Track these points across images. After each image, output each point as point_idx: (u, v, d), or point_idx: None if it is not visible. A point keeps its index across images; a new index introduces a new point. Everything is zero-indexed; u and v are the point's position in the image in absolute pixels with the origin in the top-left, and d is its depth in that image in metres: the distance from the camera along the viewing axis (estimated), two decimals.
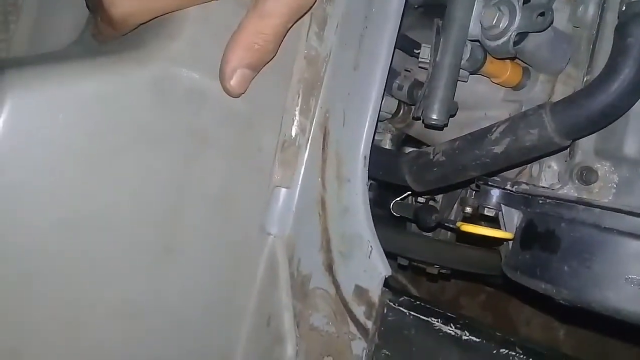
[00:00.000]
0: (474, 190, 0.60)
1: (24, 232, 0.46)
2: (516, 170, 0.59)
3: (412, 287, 1.16)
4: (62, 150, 0.46)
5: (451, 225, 0.63)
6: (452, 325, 0.44)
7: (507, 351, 0.41)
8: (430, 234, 0.77)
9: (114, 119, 0.48)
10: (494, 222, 0.59)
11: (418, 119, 0.59)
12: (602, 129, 0.48)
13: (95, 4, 0.50)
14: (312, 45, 0.56)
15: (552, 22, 0.52)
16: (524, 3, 0.52)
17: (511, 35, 0.52)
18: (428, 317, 0.45)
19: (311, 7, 0.52)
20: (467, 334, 0.43)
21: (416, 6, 0.77)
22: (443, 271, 0.79)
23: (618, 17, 0.47)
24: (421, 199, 0.75)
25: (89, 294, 0.50)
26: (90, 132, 0.47)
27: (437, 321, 0.45)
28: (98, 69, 0.47)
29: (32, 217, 0.46)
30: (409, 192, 0.66)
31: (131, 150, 0.49)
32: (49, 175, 0.46)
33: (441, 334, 0.44)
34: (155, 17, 0.50)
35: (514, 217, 0.54)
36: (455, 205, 0.76)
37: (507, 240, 0.53)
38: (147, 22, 0.50)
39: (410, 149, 0.74)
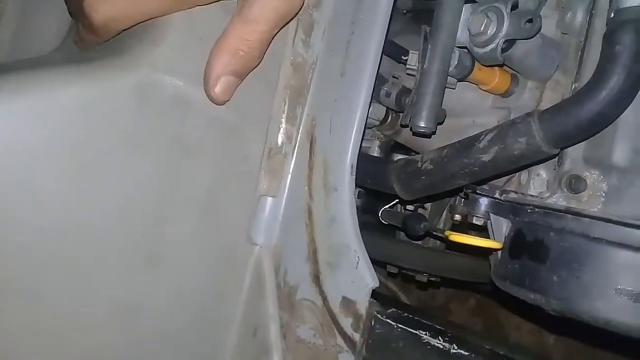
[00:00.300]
0: (462, 198, 0.59)
1: (4, 241, 0.45)
2: (505, 178, 0.58)
3: (403, 294, 1.16)
4: (44, 157, 0.45)
5: (440, 235, 0.63)
6: (440, 338, 0.43)
7: None
8: (419, 242, 0.77)
9: (97, 126, 0.47)
10: (482, 230, 0.58)
11: (406, 126, 0.58)
12: (591, 137, 0.47)
13: (76, 10, 0.49)
14: (299, 52, 0.55)
15: (540, 29, 0.51)
16: (511, 10, 0.52)
17: (499, 42, 0.51)
18: (416, 330, 0.44)
19: (297, 12, 0.51)
20: (455, 347, 0.42)
21: (404, 11, 0.77)
22: (432, 279, 0.78)
23: (606, 25, 0.46)
24: (410, 207, 0.74)
25: (71, 304, 0.49)
26: (73, 139, 0.46)
27: (426, 334, 0.44)
28: (81, 76, 0.46)
29: (13, 225, 0.45)
30: (397, 200, 0.66)
31: (115, 158, 0.48)
32: (31, 183, 0.45)
33: (429, 347, 0.43)
34: (138, 23, 0.49)
35: (502, 226, 0.53)
36: (444, 213, 0.76)
37: (496, 250, 0.52)
38: (129, 28, 0.49)
39: (399, 156, 0.74)
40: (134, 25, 0.49)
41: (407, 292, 1.24)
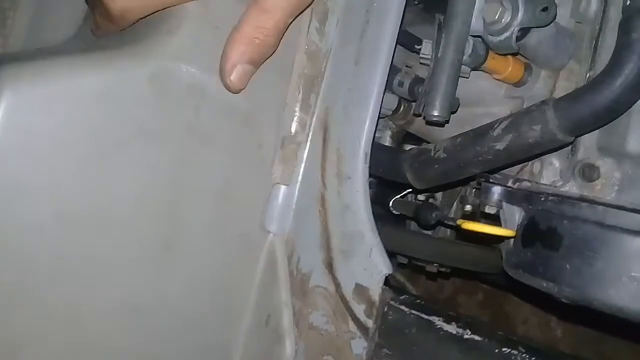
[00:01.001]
0: (475, 188, 0.59)
1: (23, 229, 0.46)
2: (517, 167, 0.58)
3: (410, 285, 1.16)
4: (61, 145, 0.46)
5: (452, 223, 0.63)
6: (453, 323, 0.43)
7: (509, 350, 0.41)
8: (429, 232, 0.77)
9: (112, 115, 0.47)
10: (494, 219, 0.58)
11: (419, 115, 0.58)
12: (606, 125, 0.47)
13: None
14: (313, 41, 0.56)
15: (555, 17, 0.51)
16: None
17: (514, 30, 0.51)
18: (429, 316, 0.45)
19: (312, 1, 0.51)
20: (469, 333, 0.42)
21: (416, 2, 0.77)
22: (442, 269, 0.79)
23: (622, 12, 0.46)
24: (421, 197, 0.74)
25: (87, 291, 0.49)
26: (88, 128, 0.47)
27: (439, 320, 0.44)
28: (97, 64, 0.47)
29: (31, 214, 0.46)
30: (410, 190, 0.66)
31: (130, 146, 0.48)
32: (47, 171, 0.46)
33: (442, 332, 0.43)
34: (154, 12, 0.49)
35: (515, 215, 0.54)
36: (455, 203, 0.76)
37: (509, 237, 0.52)
38: (146, 17, 0.49)
39: (411, 146, 0.74)
40: (151, 14, 0.49)
41: (414, 283, 1.24)
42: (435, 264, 0.75)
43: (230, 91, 0.51)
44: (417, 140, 0.75)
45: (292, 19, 0.50)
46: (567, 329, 1.22)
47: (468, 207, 0.71)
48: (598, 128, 0.48)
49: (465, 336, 0.42)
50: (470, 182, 0.65)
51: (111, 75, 0.47)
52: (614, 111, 0.45)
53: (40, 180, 0.46)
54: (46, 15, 0.65)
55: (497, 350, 0.41)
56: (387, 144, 0.73)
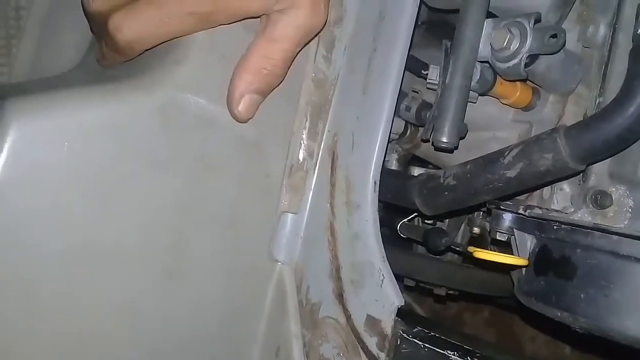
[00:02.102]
0: (484, 212, 0.59)
1: (29, 262, 0.45)
2: (526, 193, 0.58)
3: (416, 305, 1.15)
4: (68, 178, 0.45)
5: (461, 250, 0.62)
6: (469, 358, 0.43)
7: None
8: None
9: (120, 147, 0.47)
10: (504, 246, 0.58)
11: (427, 141, 0.58)
12: (618, 153, 0.47)
13: (100, 29, 0.49)
14: (320, 68, 0.55)
15: (564, 44, 0.51)
16: (534, 24, 0.51)
17: (522, 57, 0.51)
18: (444, 350, 0.44)
19: (320, 30, 0.51)
20: None
21: (419, 23, 0.77)
22: (450, 292, 0.78)
23: (632, 40, 0.46)
24: (428, 220, 0.74)
25: (95, 323, 0.49)
26: (96, 160, 0.46)
27: (453, 354, 0.43)
28: (104, 96, 0.47)
29: (37, 247, 0.45)
30: (416, 214, 0.65)
31: (138, 177, 0.48)
32: (54, 204, 0.45)
33: None
34: (162, 43, 0.49)
35: (527, 242, 0.53)
36: (463, 226, 0.75)
37: (522, 267, 0.52)
38: (153, 47, 0.49)
39: (417, 169, 0.73)
40: (157, 45, 0.49)
41: (420, 302, 1.23)
42: (443, 287, 0.75)
43: (237, 121, 0.51)
44: (423, 162, 0.75)
45: (300, 49, 0.50)
46: (576, 346, 1.20)
47: (476, 230, 0.70)
48: (610, 156, 0.48)
49: None
50: (480, 209, 0.64)
51: (118, 107, 0.47)
52: (626, 140, 0.45)
53: (46, 214, 0.46)
54: (51, 43, 0.65)
55: None
56: (393, 167, 0.72)
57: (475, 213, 0.71)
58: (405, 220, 0.70)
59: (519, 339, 1.27)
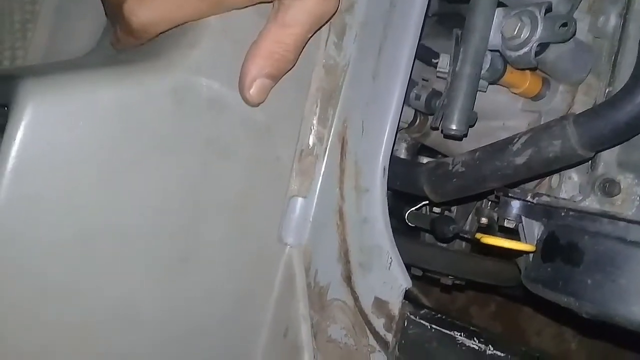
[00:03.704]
0: (494, 201, 0.59)
1: (42, 242, 0.46)
2: (535, 181, 0.58)
3: (423, 296, 1.15)
4: (82, 159, 0.46)
5: (470, 237, 0.63)
6: (475, 339, 0.43)
7: None
8: (445, 245, 0.77)
9: (133, 128, 0.48)
10: (512, 233, 0.58)
11: (436, 129, 0.58)
12: (627, 140, 0.47)
13: (115, 13, 0.50)
14: (331, 55, 0.56)
15: (575, 33, 0.51)
16: (545, 13, 0.52)
17: (533, 45, 0.51)
18: (450, 331, 0.44)
19: (332, 16, 0.51)
20: (492, 349, 0.42)
21: (430, 15, 0.77)
22: (457, 282, 0.78)
23: None
24: (436, 209, 0.74)
25: (106, 304, 0.50)
26: (109, 141, 0.47)
27: (460, 335, 0.44)
28: (118, 78, 0.47)
29: (51, 226, 0.46)
30: (425, 202, 0.66)
31: (150, 160, 0.49)
32: (68, 184, 0.46)
33: (464, 348, 0.43)
34: (175, 26, 0.49)
35: (534, 229, 0.53)
36: (471, 216, 0.75)
37: (529, 252, 0.52)
38: (166, 30, 0.50)
39: (425, 159, 0.74)
40: (171, 28, 0.50)
41: (427, 295, 1.24)
42: (450, 277, 0.75)
43: (249, 105, 0.51)
44: (431, 152, 0.75)
45: (311, 34, 0.51)
46: (582, 341, 1.21)
47: (484, 220, 0.70)
48: (619, 144, 0.48)
49: (488, 352, 0.42)
50: (488, 196, 0.64)
51: (132, 89, 0.48)
52: (635, 127, 0.45)
53: (60, 193, 0.46)
54: (65, 27, 0.66)
55: None
56: (402, 156, 0.73)
57: (483, 203, 0.71)
58: (414, 209, 0.70)
59: (525, 333, 1.27)
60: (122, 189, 0.48)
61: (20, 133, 0.43)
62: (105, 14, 0.55)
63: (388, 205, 0.76)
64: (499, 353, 0.42)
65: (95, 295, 0.49)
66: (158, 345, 0.52)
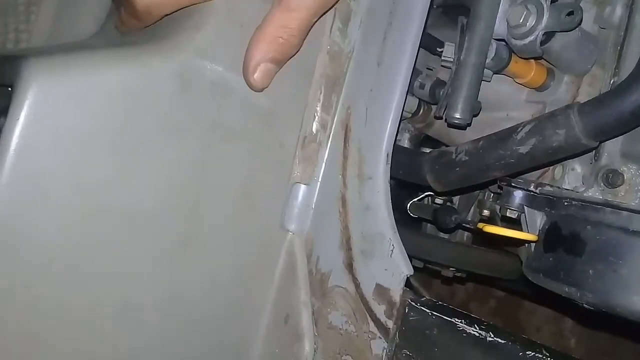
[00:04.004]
0: (496, 193, 0.59)
1: (45, 222, 0.46)
2: (538, 172, 0.58)
3: (424, 290, 1.15)
4: (86, 139, 0.46)
5: (471, 227, 0.63)
6: (475, 326, 0.43)
7: (533, 353, 0.40)
8: (447, 236, 0.77)
9: (137, 110, 0.48)
10: (515, 224, 0.58)
11: (440, 118, 0.58)
12: (631, 130, 0.47)
13: None
14: (335, 41, 0.56)
15: (581, 22, 0.51)
16: (551, 2, 0.51)
17: (538, 34, 0.51)
18: (451, 318, 0.44)
19: (337, 2, 0.51)
20: (492, 335, 0.42)
21: (435, 6, 0.77)
22: (458, 274, 0.78)
23: None
24: (438, 200, 0.74)
25: (109, 285, 0.49)
26: (113, 123, 0.47)
27: (461, 322, 0.44)
28: (123, 60, 0.47)
29: (54, 206, 0.46)
30: (429, 193, 0.66)
31: (153, 142, 0.49)
32: (71, 165, 0.46)
33: (465, 334, 0.43)
34: (180, 9, 0.49)
35: (537, 219, 0.53)
36: (473, 207, 0.75)
37: (531, 242, 0.52)
38: (171, 13, 0.49)
39: (429, 149, 0.74)
40: (176, 11, 0.49)
41: (427, 289, 1.24)
42: (451, 269, 0.75)
43: (253, 89, 0.51)
44: (435, 143, 0.75)
45: (316, 19, 0.51)
46: (581, 337, 1.21)
47: (486, 212, 0.70)
48: (623, 133, 0.48)
49: (489, 339, 0.42)
50: (490, 186, 0.64)
51: (136, 71, 0.47)
52: None
53: (63, 175, 0.46)
54: (69, 10, 0.66)
55: (521, 354, 0.41)
56: (405, 146, 0.73)
57: (486, 195, 0.71)
58: (416, 199, 0.70)
59: (525, 329, 1.28)
60: (126, 171, 0.48)
61: (23, 113, 0.43)
62: None
63: (391, 195, 0.76)
64: (499, 340, 0.42)
65: (98, 275, 0.49)
66: (159, 328, 0.52)
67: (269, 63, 0.50)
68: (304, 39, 0.51)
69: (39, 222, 0.46)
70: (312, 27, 0.51)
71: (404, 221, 0.72)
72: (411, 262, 0.78)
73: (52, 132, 0.45)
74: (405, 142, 0.72)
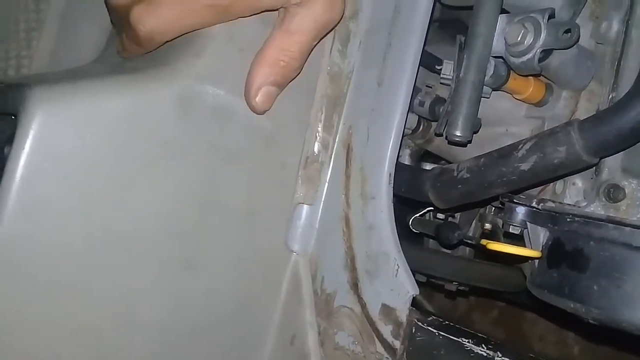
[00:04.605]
0: (497, 207, 0.59)
1: (50, 248, 0.46)
2: (539, 187, 0.58)
3: (426, 302, 1.15)
4: (90, 166, 0.46)
5: (473, 243, 0.63)
6: (483, 345, 0.43)
7: None
8: (449, 251, 0.77)
9: (140, 136, 0.48)
10: (517, 239, 0.58)
11: (440, 135, 0.59)
12: (632, 146, 0.47)
13: (121, 22, 0.50)
14: (335, 62, 0.56)
15: (578, 39, 0.51)
16: (548, 20, 0.52)
17: (536, 52, 0.52)
18: (458, 338, 0.44)
19: (337, 24, 0.52)
20: (500, 355, 0.42)
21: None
22: (461, 288, 0.78)
23: None
24: (440, 215, 0.74)
25: (112, 307, 0.50)
26: (116, 149, 0.47)
27: (468, 341, 0.44)
28: (125, 86, 0.47)
29: (59, 233, 0.46)
30: (430, 208, 0.66)
31: (156, 167, 0.49)
32: (75, 191, 0.46)
33: (472, 354, 0.43)
34: (181, 35, 0.50)
35: (539, 235, 0.53)
36: (474, 222, 0.76)
37: (535, 258, 0.52)
38: (172, 39, 0.50)
39: (429, 165, 0.74)
40: (177, 37, 0.50)
41: (429, 301, 1.24)
42: (454, 283, 0.75)
43: (255, 112, 0.52)
44: (435, 158, 0.76)
45: (316, 42, 0.51)
46: (584, 347, 1.20)
47: (487, 226, 0.71)
48: (624, 149, 0.48)
49: (497, 358, 0.42)
50: (492, 203, 0.65)
51: (139, 97, 0.48)
52: None
53: (68, 201, 0.46)
54: (70, 36, 0.66)
55: None
56: (406, 162, 0.73)
57: (487, 209, 0.72)
58: (417, 215, 0.70)
59: (528, 339, 1.27)
60: (129, 195, 0.48)
61: (29, 142, 0.44)
62: (112, 22, 0.56)
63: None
64: (507, 359, 0.42)
65: (101, 299, 0.49)
66: (164, 350, 0.52)
67: (270, 86, 0.51)
68: (305, 61, 0.52)
69: (44, 246, 0.46)
70: (312, 49, 0.52)
71: (406, 236, 0.72)
72: (414, 276, 0.79)
73: (56, 159, 0.45)
74: (406, 158, 0.72)
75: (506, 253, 0.53)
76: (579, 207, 0.52)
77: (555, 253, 0.51)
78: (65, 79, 0.49)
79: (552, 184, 0.57)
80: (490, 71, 0.55)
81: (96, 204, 0.47)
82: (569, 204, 0.53)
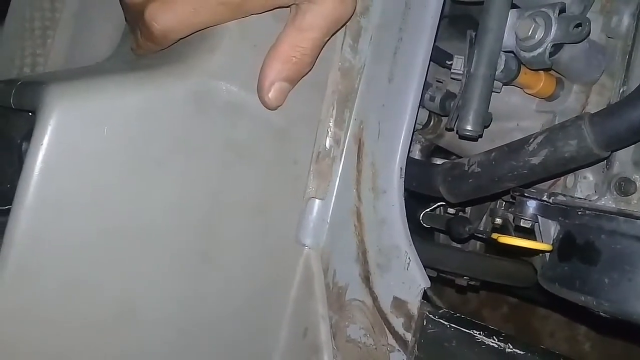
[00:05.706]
0: (508, 202, 0.59)
1: (69, 242, 0.47)
2: (549, 181, 0.59)
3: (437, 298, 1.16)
4: (105, 161, 0.47)
5: (484, 236, 0.63)
6: (494, 337, 0.44)
7: None
8: (460, 246, 0.77)
9: (155, 131, 0.49)
10: (528, 233, 0.58)
11: (451, 130, 0.59)
12: None
13: (136, 19, 0.51)
14: (346, 57, 0.57)
15: (589, 33, 0.52)
16: (559, 14, 0.52)
17: (547, 46, 0.52)
18: (469, 329, 0.45)
19: (349, 20, 0.52)
20: (511, 347, 0.43)
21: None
22: (472, 283, 0.79)
23: None
24: (450, 210, 0.75)
25: (126, 302, 0.50)
26: (131, 144, 0.48)
27: (480, 333, 0.44)
28: (140, 83, 0.48)
29: (77, 227, 0.47)
30: (441, 203, 0.66)
31: (171, 162, 0.50)
32: (92, 186, 0.47)
33: (484, 346, 0.44)
34: (195, 32, 0.50)
35: (550, 229, 0.54)
36: (485, 217, 0.76)
37: (546, 251, 0.53)
38: (186, 36, 0.50)
39: (439, 160, 0.74)
40: (191, 34, 0.50)
41: (439, 297, 1.24)
42: (465, 277, 0.75)
43: (267, 108, 0.52)
44: (445, 153, 0.76)
45: (328, 38, 0.52)
46: (595, 343, 1.20)
47: (498, 220, 0.71)
48: (635, 143, 0.48)
49: (507, 350, 0.43)
50: (503, 197, 0.65)
51: (154, 93, 0.48)
52: None
53: (85, 196, 0.47)
54: (85, 34, 0.67)
55: None
56: (416, 157, 0.73)
57: (498, 204, 0.72)
58: (429, 210, 0.71)
59: (538, 335, 1.27)
60: (145, 190, 0.49)
61: (47, 138, 0.44)
62: (126, 19, 0.56)
63: None
64: (518, 351, 0.42)
65: (116, 292, 0.49)
66: (176, 344, 0.53)
67: (283, 82, 0.51)
68: (317, 57, 0.52)
69: (60, 241, 0.47)
70: (324, 45, 0.52)
71: (417, 231, 0.72)
72: (425, 271, 0.79)
73: (72, 155, 0.46)
74: (416, 153, 0.72)
75: (517, 246, 0.53)
76: (590, 200, 0.52)
77: (566, 246, 0.51)
78: (81, 76, 0.49)
79: (562, 177, 0.57)
80: (501, 66, 0.56)
81: (111, 199, 0.48)
82: (580, 198, 0.53)
